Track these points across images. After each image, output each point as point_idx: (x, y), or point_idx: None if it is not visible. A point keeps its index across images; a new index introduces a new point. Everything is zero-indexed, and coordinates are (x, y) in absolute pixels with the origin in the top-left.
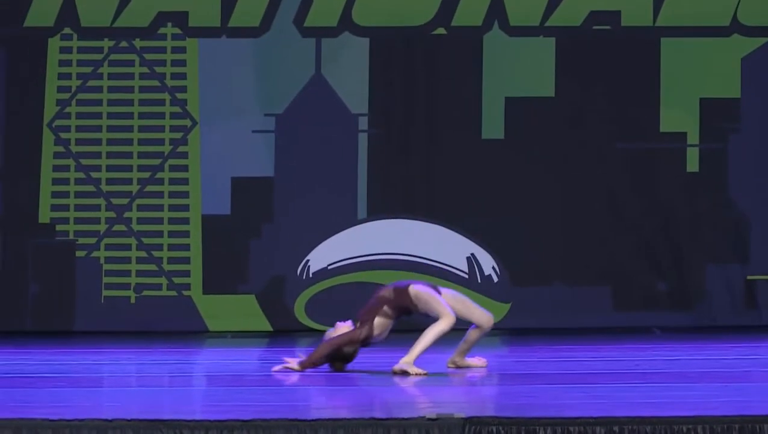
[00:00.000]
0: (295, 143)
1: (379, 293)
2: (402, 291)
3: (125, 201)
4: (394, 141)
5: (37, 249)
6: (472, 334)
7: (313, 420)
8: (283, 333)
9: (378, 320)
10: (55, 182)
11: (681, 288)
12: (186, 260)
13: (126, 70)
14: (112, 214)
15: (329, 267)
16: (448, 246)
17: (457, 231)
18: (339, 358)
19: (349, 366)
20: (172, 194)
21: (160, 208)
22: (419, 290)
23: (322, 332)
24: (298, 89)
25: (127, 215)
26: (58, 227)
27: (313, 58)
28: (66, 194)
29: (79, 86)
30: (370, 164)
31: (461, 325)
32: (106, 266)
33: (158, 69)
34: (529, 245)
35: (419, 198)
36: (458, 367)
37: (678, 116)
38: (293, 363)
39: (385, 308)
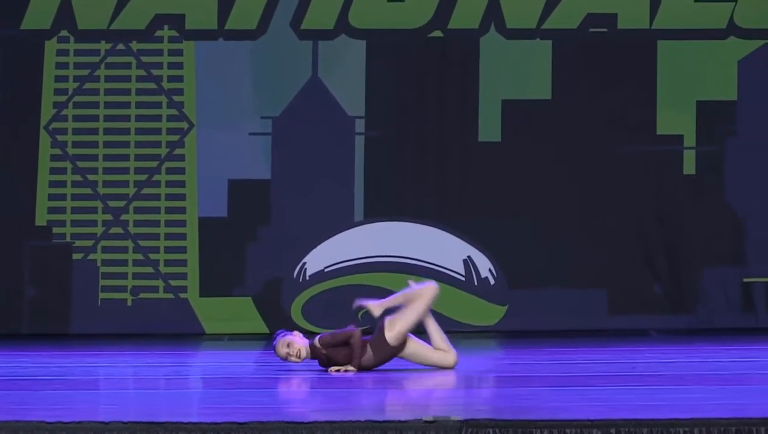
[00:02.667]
0: (292, 146)
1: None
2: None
3: (122, 204)
4: (390, 143)
5: (33, 252)
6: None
7: (309, 423)
8: None
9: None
10: (52, 184)
11: (677, 291)
12: (183, 263)
13: (123, 72)
14: (108, 216)
15: (326, 270)
16: (445, 249)
17: (453, 234)
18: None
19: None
20: (168, 197)
21: (156, 210)
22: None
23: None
24: (295, 92)
25: (123, 217)
26: (55, 230)
27: (309, 61)
28: (62, 197)
29: (76, 89)
30: (367, 167)
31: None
32: (102, 269)
33: (155, 72)
34: (526, 248)
35: (416, 200)
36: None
37: (674, 118)
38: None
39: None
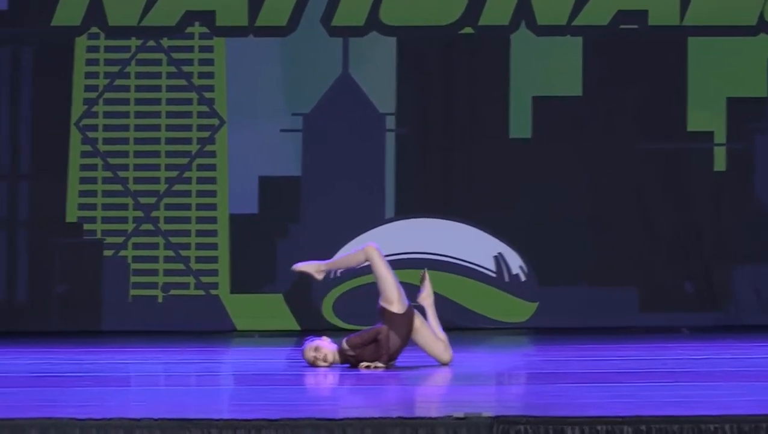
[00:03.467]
0: (323, 142)
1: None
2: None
3: (153, 200)
4: (421, 140)
5: (64, 249)
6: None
7: (340, 420)
8: (311, 332)
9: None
10: (83, 181)
11: (707, 288)
12: (213, 260)
13: (153, 69)
14: (139, 213)
15: (357, 266)
16: (476, 245)
17: (484, 230)
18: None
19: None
20: (199, 193)
21: (187, 207)
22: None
23: (350, 331)
24: (326, 88)
25: (154, 214)
26: (86, 227)
27: (340, 58)
28: (93, 194)
29: (107, 85)
30: (398, 163)
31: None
32: (133, 266)
33: (185, 68)
34: (557, 245)
35: (447, 197)
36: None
37: (705, 115)
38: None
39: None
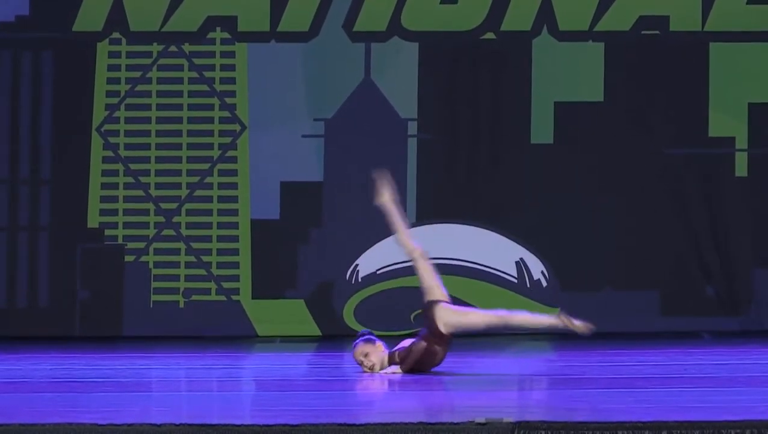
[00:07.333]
0: (345, 148)
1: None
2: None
3: (174, 206)
4: (443, 146)
5: (85, 254)
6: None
7: (362, 425)
8: (332, 337)
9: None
10: (104, 186)
11: (729, 293)
12: (235, 265)
13: (175, 74)
14: (160, 219)
15: (378, 272)
16: (497, 251)
17: (506, 236)
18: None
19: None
20: (221, 199)
21: (209, 213)
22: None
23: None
24: (348, 94)
25: (175, 219)
26: (107, 232)
27: (362, 63)
28: (114, 199)
29: (128, 91)
30: (420, 169)
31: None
32: (154, 271)
33: (207, 74)
34: (578, 250)
35: (468, 203)
36: None
37: (726, 120)
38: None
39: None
